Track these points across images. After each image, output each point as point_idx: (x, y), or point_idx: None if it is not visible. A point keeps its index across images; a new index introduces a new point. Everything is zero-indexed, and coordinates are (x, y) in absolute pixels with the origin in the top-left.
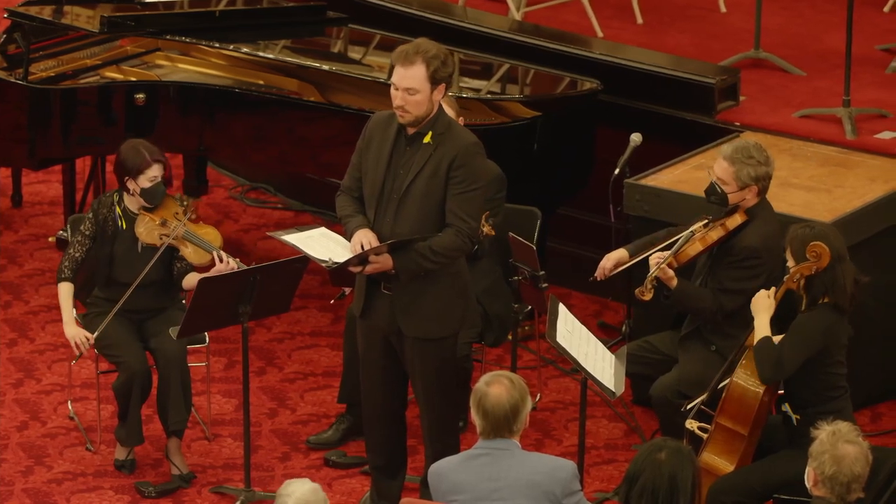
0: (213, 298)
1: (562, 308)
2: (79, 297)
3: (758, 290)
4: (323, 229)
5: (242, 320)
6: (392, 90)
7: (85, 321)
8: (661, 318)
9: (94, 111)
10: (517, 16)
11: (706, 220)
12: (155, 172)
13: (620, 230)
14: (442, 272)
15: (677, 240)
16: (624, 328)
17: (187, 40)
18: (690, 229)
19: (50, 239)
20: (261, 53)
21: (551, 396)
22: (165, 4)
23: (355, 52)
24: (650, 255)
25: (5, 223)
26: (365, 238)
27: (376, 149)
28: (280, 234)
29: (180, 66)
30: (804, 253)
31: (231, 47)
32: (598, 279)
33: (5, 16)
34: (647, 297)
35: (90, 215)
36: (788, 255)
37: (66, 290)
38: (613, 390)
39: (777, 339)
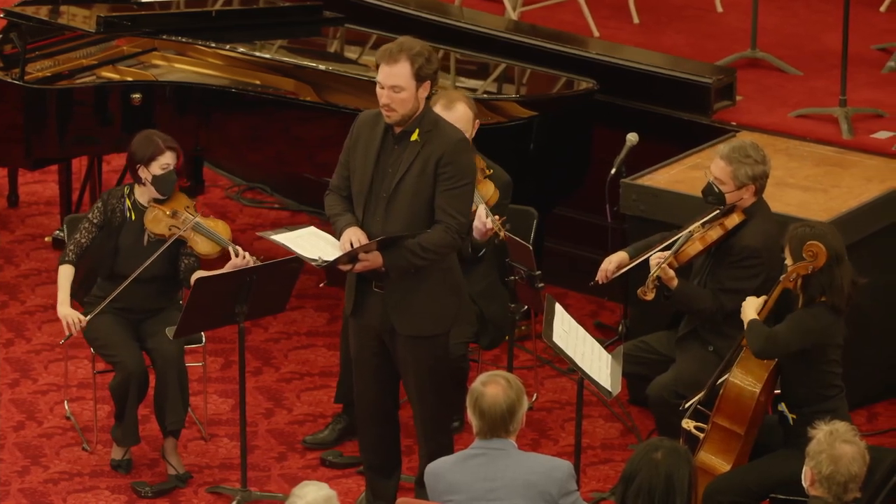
0: (210, 298)
1: (558, 308)
2: (76, 297)
3: (757, 290)
4: (312, 228)
5: (239, 320)
6: (378, 89)
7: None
8: (657, 318)
9: (91, 111)
10: (513, 15)
11: (704, 220)
12: (167, 160)
13: (617, 230)
14: (433, 269)
15: (677, 240)
16: (620, 328)
17: (184, 40)
18: (688, 229)
19: (46, 239)
20: (257, 53)
21: (548, 396)
22: (162, 4)
23: (352, 52)
24: (650, 255)
25: (2, 223)
26: (354, 236)
27: (364, 148)
28: (270, 233)
29: (176, 66)
30: (801, 252)
31: (227, 47)
32: (601, 283)
33: (1, 16)
34: (650, 296)
35: (99, 204)
36: (787, 254)
37: (65, 272)
38: (610, 390)
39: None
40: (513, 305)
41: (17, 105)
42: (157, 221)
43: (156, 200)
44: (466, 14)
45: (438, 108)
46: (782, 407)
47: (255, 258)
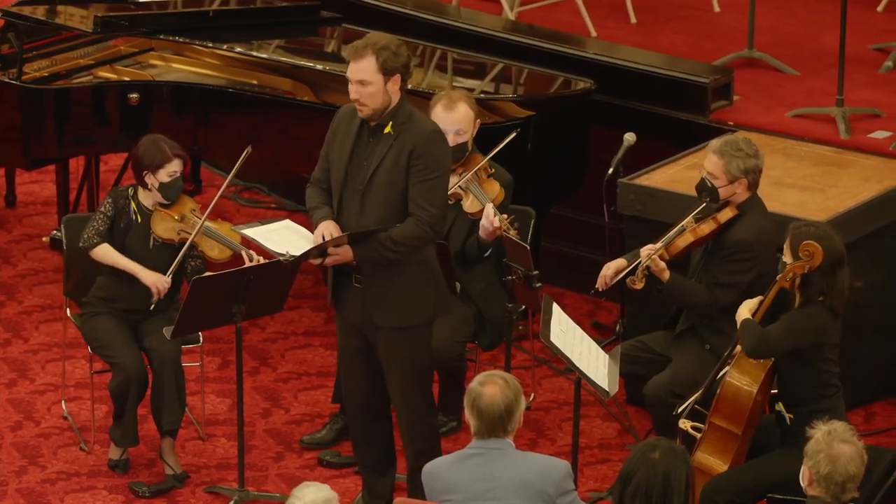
0: (207, 298)
1: (556, 308)
2: (73, 298)
3: (750, 284)
4: (287, 222)
5: (236, 320)
6: (349, 85)
7: (81, 321)
8: (655, 318)
9: (88, 111)
10: (511, 15)
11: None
12: (175, 168)
13: (614, 230)
14: (409, 261)
15: (669, 233)
16: (618, 328)
17: (181, 40)
18: (682, 223)
19: (44, 239)
20: (254, 53)
21: (545, 396)
22: (159, 4)
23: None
24: (642, 248)
25: None
26: (327, 230)
27: (340, 141)
28: (241, 227)
29: (174, 65)
30: (798, 251)
31: (225, 47)
32: (600, 289)
33: None
34: (639, 285)
35: (109, 199)
36: (787, 251)
37: (107, 249)
38: (607, 390)
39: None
40: (510, 305)
41: (15, 105)
42: (165, 226)
43: (161, 204)
44: (464, 14)
45: (440, 109)
46: (780, 406)
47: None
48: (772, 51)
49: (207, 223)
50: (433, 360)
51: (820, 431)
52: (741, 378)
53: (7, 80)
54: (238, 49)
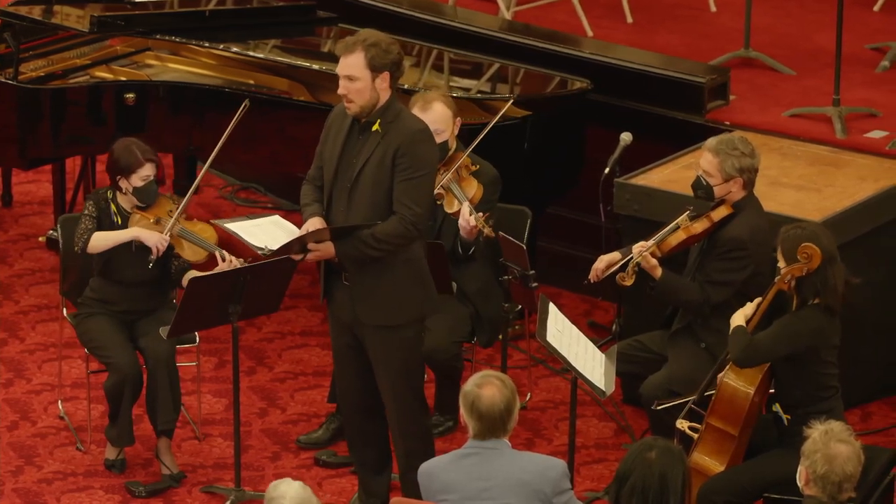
0: (203, 298)
1: (552, 307)
2: (70, 297)
3: (744, 283)
4: (275, 217)
5: (232, 320)
6: (339, 80)
7: (76, 321)
8: (651, 317)
9: (84, 111)
10: (507, 15)
11: (690, 211)
12: (147, 171)
13: (611, 229)
14: (395, 259)
15: (662, 230)
16: (614, 327)
17: (177, 40)
18: (675, 221)
19: (40, 239)
20: (251, 53)
21: (541, 396)
22: (155, 4)
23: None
24: (634, 245)
25: None
26: (312, 226)
27: (333, 139)
28: (224, 221)
29: (170, 65)
30: (795, 254)
31: (221, 47)
32: (592, 281)
33: None
34: (629, 282)
35: (90, 203)
36: (779, 256)
37: (98, 236)
38: (604, 389)
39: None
40: (507, 305)
41: (11, 105)
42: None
43: (138, 207)
44: (460, 14)
45: (416, 111)
46: (777, 407)
47: (241, 261)
48: (768, 50)
49: (181, 224)
50: (430, 360)
51: (817, 431)
52: (738, 379)
53: (3, 79)
54: (234, 49)
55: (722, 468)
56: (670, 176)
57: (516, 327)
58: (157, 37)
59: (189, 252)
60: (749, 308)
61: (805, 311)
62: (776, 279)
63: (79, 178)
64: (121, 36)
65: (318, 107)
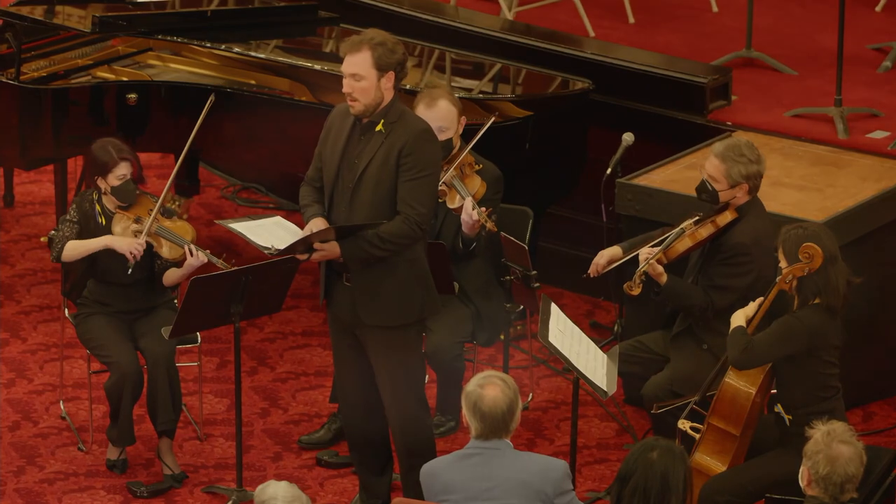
0: (205, 298)
1: (554, 307)
2: (71, 298)
3: (747, 287)
4: (277, 218)
5: (234, 320)
6: (343, 79)
7: (77, 321)
8: (652, 318)
9: (86, 111)
10: (509, 15)
11: (696, 217)
12: (123, 171)
13: (612, 230)
14: (398, 259)
15: (668, 236)
16: (616, 328)
17: (179, 40)
18: (681, 226)
19: (42, 239)
20: (252, 53)
21: (543, 396)
22: (157, 4)
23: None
24: (641, 250)
25: None
26: (316, 226)
27: (334, 139)
28: (227, 221)
29: (172, 65)
30: (796, 254)
31: (223, 47)
32: (592, 276)
33: None
34: (636, 291)
35: (73, 206)
36: (780, 256)
37: (70, 245)
38: (605, 390)
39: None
40: (508, 305)
41: (13, 105)
42: (123, 230)
43: (120, 207)
44: (462, 14)
45: (421, 107)
46: (778, 408)
47: (208, 253)
48: (770, 50)
49: (159, 223)
50: (431, 360)
51: (819, 432)
52: (739, 379)
53: (5, 80)
54: (236, 49)
55: (723, 468)
56: (672, 176)
57: (518, 327)
58: (159, 37)
59: (167, 250)
60: (750, 308)
61: (805, 311)
62: (777, 279)
63: (80, 179)
64: (122, 36)
65: (320, 107)
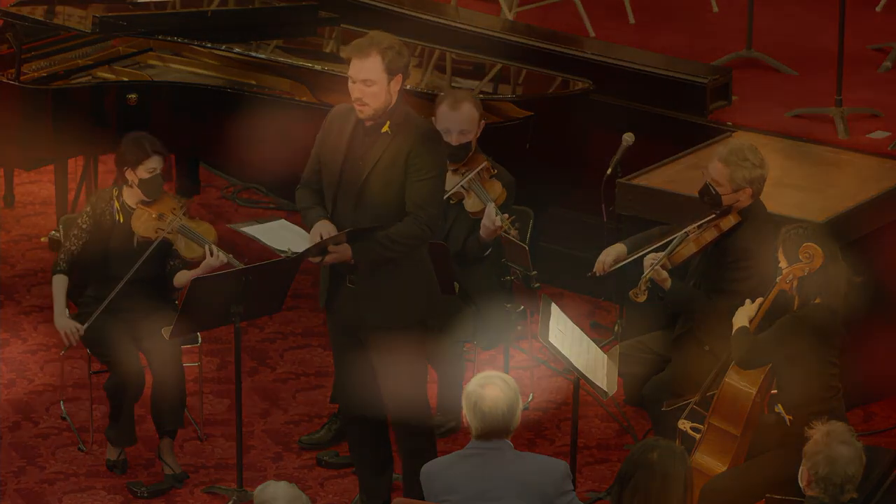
0: (205, 298)
1: (554, 308)
2: (71, 297)
3: (750, 291)
4: (282, 221)
5: (235, 320)
6: (350, 83)
7: (78, 321)
8: (653, 318)
9: (86, 111)
10: (509, 15)
11: (700, 221)
12: (154, 164)
13: (613, 230)
14: (404, 261)
15: (672, 240)
16: (616, 328)
17: (179, 40)
18: (684, 230)
19: (42, 239)
20: (253, 53)
21: (544, 396)
22: (157, 4)
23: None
24: (645, 254)
25: None
26: (324, 229)
27: (334, 140)
28: (240, 225)
29: (172, 66)
30: (797, 254)
31: (223, 47)
32: (598, 274)
33: None
34: (642, 298)
35: (88, 209)
36: (780, 256)
37: (59, 282)
38: (606, 390)
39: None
40: (509, 305)
41: (13, 105)
42: (144, 224)
43: (143, 202)
44: (462, 14)
45: (445, 107)
46: (779, 408)
47: (230, 256)
48: (770, 51)
49: (184, 222)
50: (432, 361)
51: (819, 432)
52: (740, 380)
53: (6, 80)
54: (236, 49)
55: (724, 468)
56: (672, 176)
57: (518, 328)
58: (160, 37)
59: (185, 249)
60: (751, 308)
61: (806, 310)
62: (777, 279)
63: (81, 179)
64: (123, 36)
65: (320, 107)
